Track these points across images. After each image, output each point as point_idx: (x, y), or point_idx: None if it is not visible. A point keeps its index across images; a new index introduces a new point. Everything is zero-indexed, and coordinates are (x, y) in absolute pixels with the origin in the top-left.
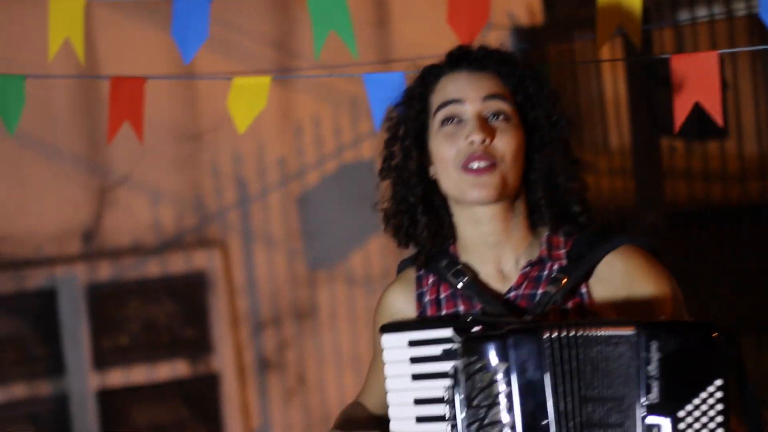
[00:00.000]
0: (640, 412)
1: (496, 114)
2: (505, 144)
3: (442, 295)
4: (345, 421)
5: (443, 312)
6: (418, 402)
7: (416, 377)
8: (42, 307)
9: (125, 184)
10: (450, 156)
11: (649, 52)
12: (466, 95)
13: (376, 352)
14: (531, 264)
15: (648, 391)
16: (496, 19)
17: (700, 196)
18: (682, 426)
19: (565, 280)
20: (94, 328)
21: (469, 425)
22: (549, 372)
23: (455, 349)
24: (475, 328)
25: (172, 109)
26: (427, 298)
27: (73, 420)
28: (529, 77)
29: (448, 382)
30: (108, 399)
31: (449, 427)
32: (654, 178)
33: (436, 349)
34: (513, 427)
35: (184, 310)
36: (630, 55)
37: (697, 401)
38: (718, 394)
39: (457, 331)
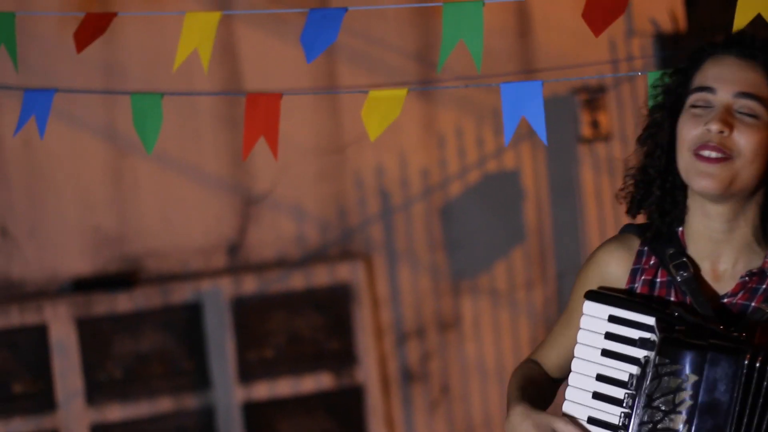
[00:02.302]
0: None
1: (747, 111)
2: (745, 139)
3: (658, 280)
4: (525, 384)
5: (655, 294)
6: (600, 378)
7: (606, 353)
8: (188, 321)
9: (269, 198)
10: (687, 137)
11: None
12: (720, 86)
13: (572, 308)
14: (751, 274)
15: None
16: (639, 25)
17: None
18: None
19: None
20: (239, 341)
21: (642, 423)
22: (738, 398)
23: (652, 341)
24: (678, 327)
25: (315, 123)
26: (642, 277)
27: None
28: None
29: (635, 369)
30: (253, 412)
31: (622, 414)
32: None
33: (634, 333)
34: None
35: (329, 322)
36: None
37: None
38: None
39: (659, 322)
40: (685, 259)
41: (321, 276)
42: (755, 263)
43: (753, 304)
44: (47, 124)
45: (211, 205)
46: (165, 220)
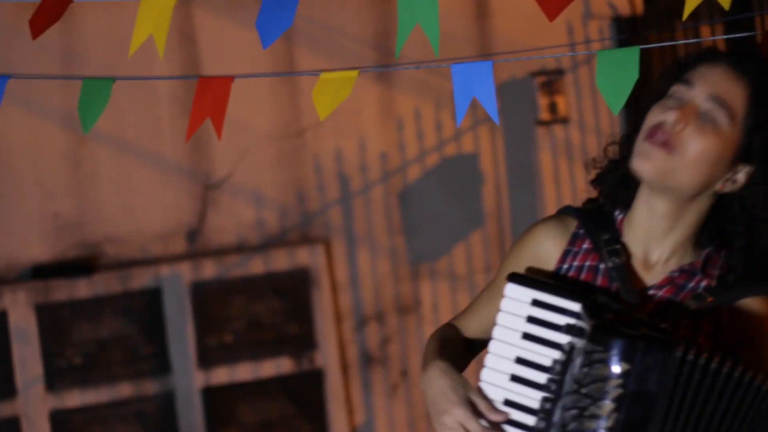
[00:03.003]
0: None
1: (710, 116)
2: (695, 141)
3: (588, 263)
4: (443, 345)
5: (581, 278)
6: (520, 361)
7: (527, 337)
8: (147, 307)
9: (228, 183)
10: (648, 122)
11: (753, 38)
12: (699, 83)
13: (498, 282)
14: (681, 270)
15: None
16: (597, 8)
17: None
18: None
19: (711, 299)
20: (198, 326)
21: (567, 409)
22: (668, 389)
23: (580, 328)
24: (607, 315)
25: (274, 107)
26: (574, 262)
27: (179, 418)
28: None
29: (558, 354)
30: (213, 396)
31: (542, 399)
32: None
33: (560, 318)
34: (612, 430)
35: (288, 307)
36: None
37: None
38: None
39: (586, 309)
40: (618, 246)
41: (280, 261)
42: (687, 260)
43: (678, 299)
44: (3, 110)
45: (170, 191)
46: (124, 206)
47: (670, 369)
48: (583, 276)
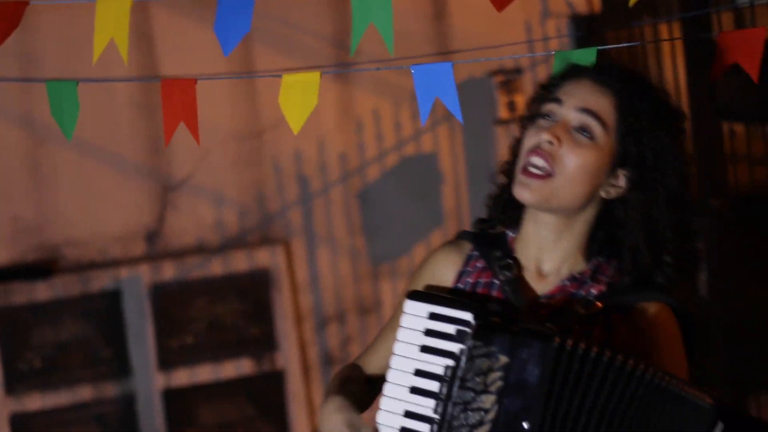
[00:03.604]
0: None
1: (583, 128)
2: (571, 157)
3: (482, 281)
4: (343, 383)
5: (476, 292)
6: (418, 373)
7: (424, 349)
8: (107, 309)
9: (187, 185)
10: (525, 146)
11: (709, 36)
12: (568, 99)
13: (396, 317)
14: (572, 278)
15: None
16: (555, 6)
17: (762, 180)
18: None
19: (599, 305)
20: (159, 328)
21: (455, 404)
22: (546, 379)
23: (467, 333)
24: (493, 318)
25: (233, 108)
26: (468, 279)
27: (139, 420)
28: (650, 113)
29: (451, 362)
30: (174, 398)
31: (435, 405)
32: (716, 164)
33: (452, 328)
34: (494, 421)
35: (249, 308)
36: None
37: None
38: None
39: (476, 318)
40: (510, 261)
41: (240, 262)
42: (578, 268)
43: (569, 307)
44: None
45: (129, 193)
46: (83, 209)
47: (548, 359)
48: (479, 291)
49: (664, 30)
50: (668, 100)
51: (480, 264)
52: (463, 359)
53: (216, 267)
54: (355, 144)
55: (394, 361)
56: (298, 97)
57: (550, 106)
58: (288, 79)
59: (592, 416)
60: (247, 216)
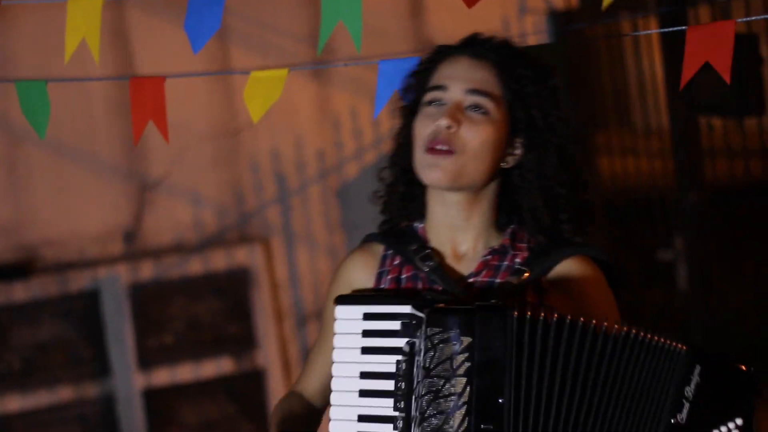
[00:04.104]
0: (662, 427)
1: (476, 106)
2: (471, 135)
3: (404, 275)
4: (283, 421)
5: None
6: (365, 375)
7: (366, 351)
8: (86, 309)
9: (165, 184)
10: (421, 135)
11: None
12: (452, 83)
13: (325, 327)
14: (493, 251)
15: (677, 410)
16: (532, 3)
17: (741, 174)
18: None
19: (527, 274)
20: (138, 327)
21: (424, 394)
22: (512, 352)
23: (415, 323)
24: (438, 304)
25: (210, 107)
26: (387, 277)
27: (120, 420)
28: (531, 76)
29: (399, 357)
30: (154, 398)
31: (394, 403)
32: (694, 158)
33: (392, 324)
34: (468, 402)
35: (228, 306)
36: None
37: None
38: None
39: (416, 308)
40: (429, 251)
41: (219, 260)
42: (495, 241)
43: (497, 280)
44: None
45: (106, 192)
46: (60, 209)
47: (511, 332)
48: (403, 286)
49: (641, 25)
50: (538, 59)
51: (397, 261)
52: (423, 347)
53: (194, 266)
54: (333, 142)
55: (336, 369)
56: (263, 91)
57: (433, 93)
58: (256, 75)
59: (566, 380)
60: (225, 214)
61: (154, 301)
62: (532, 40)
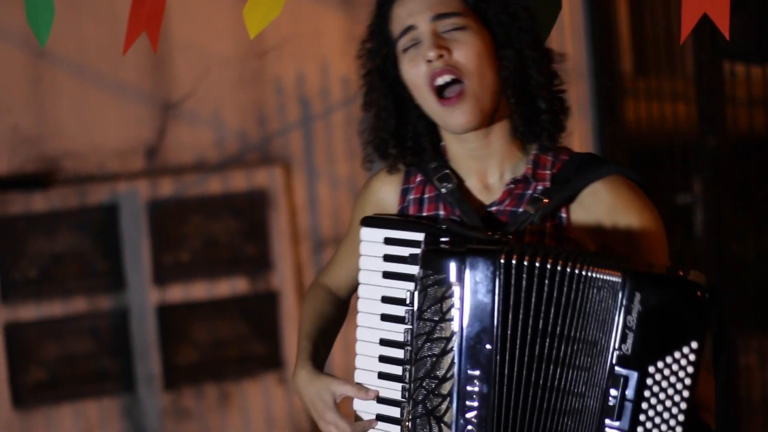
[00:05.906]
0: (610, 360)
1: (451, 28)
2: (465, 54)
3: (426, 196)
4: (315, 333)
5: (424, 213)
6: (385, 300)
7: (386, 275)
8: (104, 223)
9: (188, 103)
10: (417, 79)
11: None
12: (416, 19)
13: (352, 230)
14: (516, 181)
15: (623, 341)
16: None
17: (760, 124)
18: (649, 382)
19: (546, 201)
20: (154, 243)
21: (417, 335)
22: (500, 297)
23: (419, 255)
24: (444, 239)
25: (235, 29)
26: (411, 196)
27: (132, 334)
28: None
29: (412, 286)
30: (167, 314)
31: (405, 331)
32: (716, 103)
33: (407, 251)
34: (458, 348)
35: (245, 227)
36: None
37: (669, 360)
38: (692, 357)
39: (428, 237)
40: (447, 171)
41: (238, 181)
42: (520, 170)
43: (520, 209)
44: None
45: (129, 108)
46: (83, 122)
47: (498, 277)
48: (426, 207)
49: None
50: None
51: (419, 178)
52: (418, 288)
53: (214, 185)
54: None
55: (362, 290)
56: (263, 7)
57: (406, 38)
58: None
59: (556, 325)
60: (247, 136)
61: (171, 218)
62: None
